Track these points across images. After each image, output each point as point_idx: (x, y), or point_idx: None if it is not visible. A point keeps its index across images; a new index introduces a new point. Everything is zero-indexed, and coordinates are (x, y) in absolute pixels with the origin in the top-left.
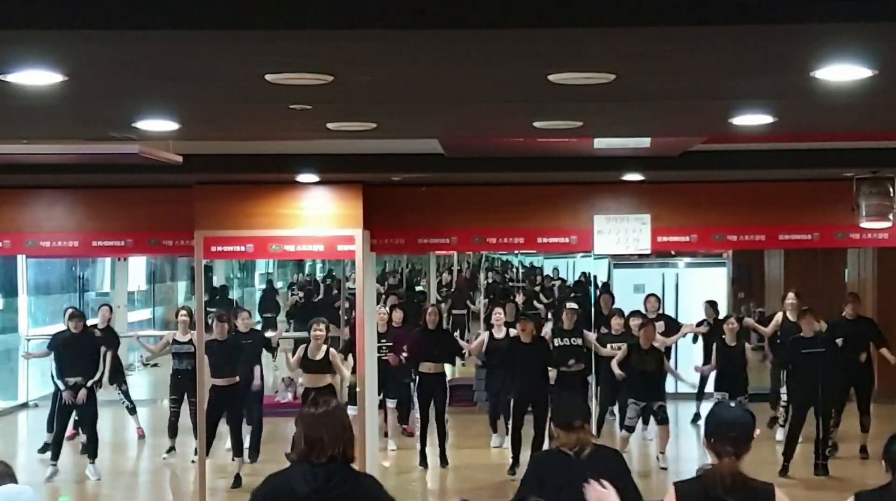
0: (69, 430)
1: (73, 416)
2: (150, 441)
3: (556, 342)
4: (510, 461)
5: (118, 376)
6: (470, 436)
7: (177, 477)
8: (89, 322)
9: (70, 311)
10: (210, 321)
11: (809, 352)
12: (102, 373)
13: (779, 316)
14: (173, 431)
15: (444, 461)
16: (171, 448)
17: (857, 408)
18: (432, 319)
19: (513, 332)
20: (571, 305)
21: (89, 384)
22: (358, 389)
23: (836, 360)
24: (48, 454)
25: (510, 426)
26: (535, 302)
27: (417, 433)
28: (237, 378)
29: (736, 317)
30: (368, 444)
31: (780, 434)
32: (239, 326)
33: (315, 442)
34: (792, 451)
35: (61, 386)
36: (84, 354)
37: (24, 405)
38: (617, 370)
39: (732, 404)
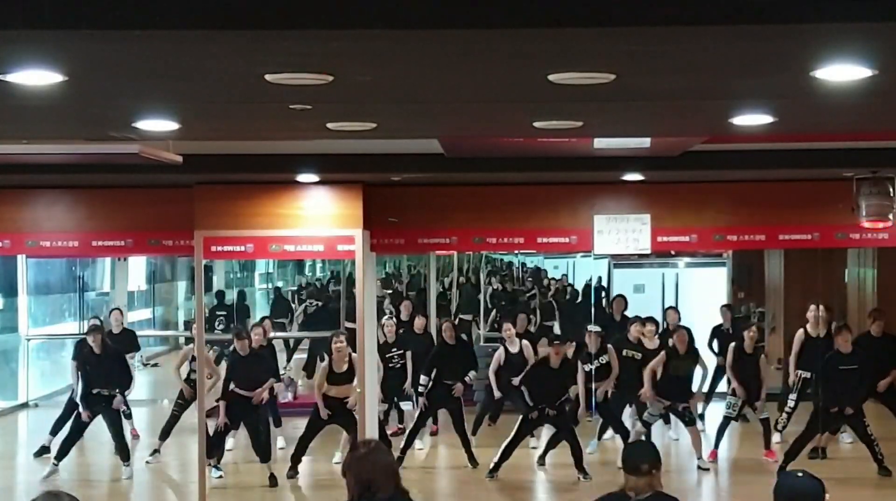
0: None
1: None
2: (148, 440)
3: (587, 368)
4: (492, 464)
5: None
6: None
7: (175, 478)
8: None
9: (91, 322)
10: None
11: (846, 369)
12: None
13: (801, 333)
14: (167, 433)
15: (473, 462)
16: (156, 451)
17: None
18: (449, 334)
19: (524, 343)
20: (594, 328)
21: (127, 393)
22: (358, 390)
23: (869, 376)
24: (46, 454)
25: (510, 440)
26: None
27: (408, 431)
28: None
29: (756, 325)
30: None
31: (777, 437)
32: (253, 342)
33: (367, 484)
34: (796, 454)
35: (81, 405)
36: (111, 369)
37: (25, 405)
38: (648, 387)
39: (800, 474)
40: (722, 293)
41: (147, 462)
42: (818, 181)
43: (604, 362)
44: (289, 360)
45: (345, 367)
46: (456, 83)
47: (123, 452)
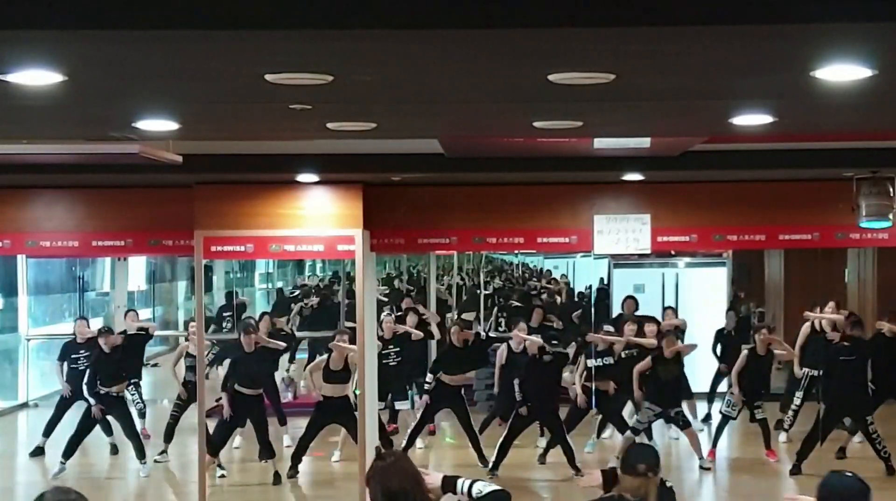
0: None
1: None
2: (152, 440)
3: (590, 362)
4: (492, 460)
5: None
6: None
7: (176, 477)
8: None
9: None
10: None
11: (846, 360)
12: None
13: (806, 327)
14: (170, 435)
15: (483, 462)
16: (164, 451)
17: None
18: (458, 337)
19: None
20: (608, 327)
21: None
22: (358, 391)
23: (868, 369)
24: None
25: (504, 437)
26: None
27: (409, 431)
28: (261, 390)
29: (768, 327)
30: (369, 445)
31: (783, 437)
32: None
33: (396, 495)
34: (808, 453)
35: (92, 401)
36: (119, 367)
37: (24, 405)
38: (636, 387)
39: (849, 474)
40: (722, 293)
41: (156, 461)
42: (818, 181)
43: (608, 362)
44: (291, 361)
45: (341, 365)
46: (456, 83)
47: (139, 450)
